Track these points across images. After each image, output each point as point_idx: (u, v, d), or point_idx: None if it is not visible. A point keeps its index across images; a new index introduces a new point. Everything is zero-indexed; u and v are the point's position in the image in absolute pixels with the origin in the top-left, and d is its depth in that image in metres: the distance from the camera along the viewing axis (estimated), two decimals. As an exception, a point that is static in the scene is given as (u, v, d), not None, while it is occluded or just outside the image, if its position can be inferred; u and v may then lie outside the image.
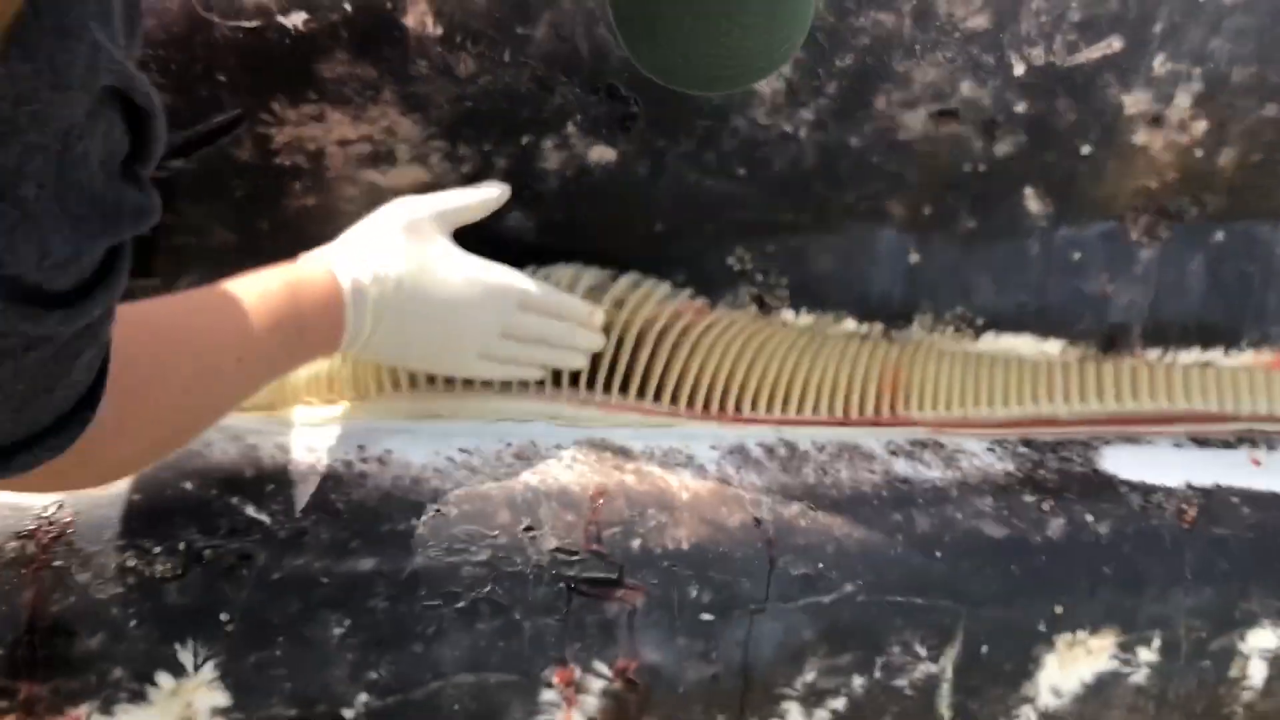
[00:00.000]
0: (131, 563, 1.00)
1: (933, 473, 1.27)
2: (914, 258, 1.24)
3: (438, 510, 1.09)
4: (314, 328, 1.00)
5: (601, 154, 1.14)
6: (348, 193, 1.13)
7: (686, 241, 1.19)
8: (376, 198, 1.13)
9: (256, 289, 0.97)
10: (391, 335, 1.06)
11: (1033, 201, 1.25)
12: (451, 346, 1.10)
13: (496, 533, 1.09)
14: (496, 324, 1.10)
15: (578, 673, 1.09)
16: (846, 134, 1.18)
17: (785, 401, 1.28)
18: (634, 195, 1.16)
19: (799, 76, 1.15)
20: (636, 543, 1.12)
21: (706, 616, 1.13)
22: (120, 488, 1.03)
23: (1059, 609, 1.23)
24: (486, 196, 1.12)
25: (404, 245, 1.06)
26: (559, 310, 1.14)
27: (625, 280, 1.17)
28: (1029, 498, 1.27)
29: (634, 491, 1.14)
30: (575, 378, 1.21)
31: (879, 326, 1.24)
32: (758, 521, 1.16)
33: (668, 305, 1.19)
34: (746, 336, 1.24)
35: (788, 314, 1.21)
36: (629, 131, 1.14)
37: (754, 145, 1.16)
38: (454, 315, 1.07)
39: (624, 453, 1.17)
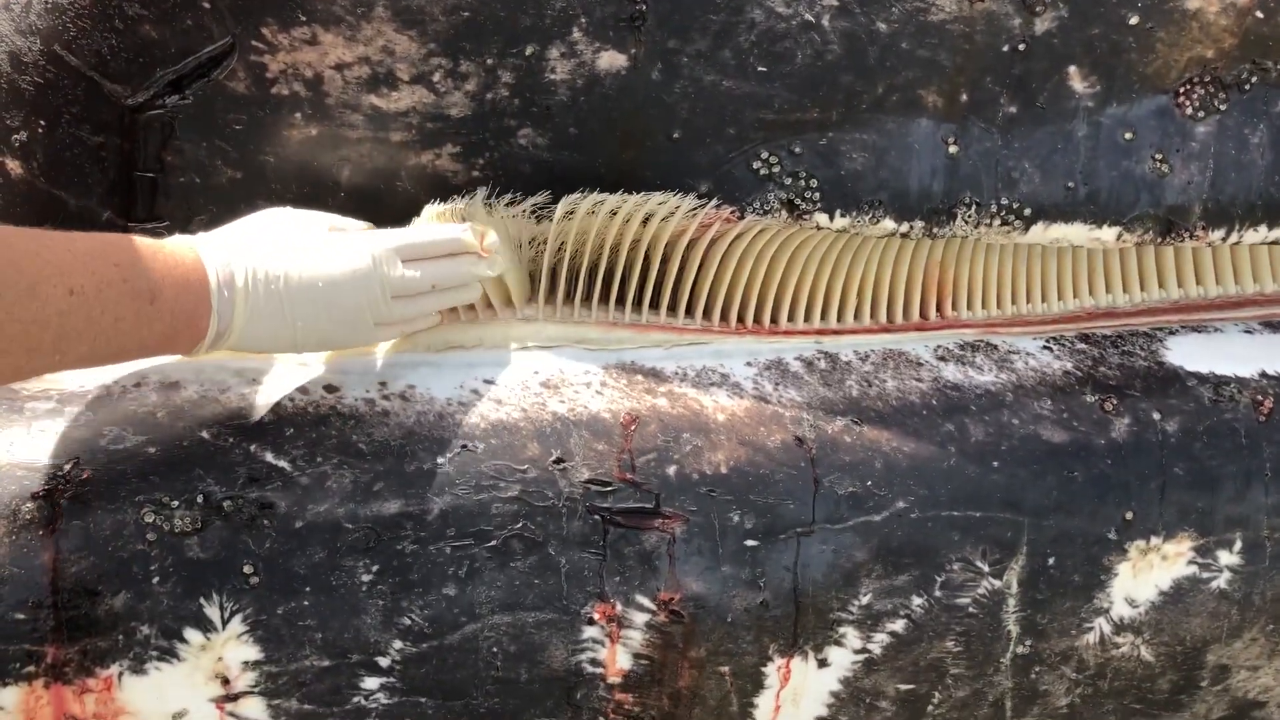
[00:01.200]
0: (150, 518, 0.97)
1: (985, 377, 1.19)
2: (953, 148, 1.15)
3: (464, 446, 1.04)
4: (170, 299, 0.91)
5: (611, 60, 1.07)
6: (351, 119, 1.07)
7: (708, 148, 1.12)
8: (381, 124, 1.07)
9: (108, 236, 0.92)
10: (273, 326, 0.98)
11: (1077, 80, 1.16)
12: (343, 324, 1.01)
13: (526, 467, 1.04)
14: (381, 288, 1.01)
15: (619, 607, 1.04)
16: (873, 19, 1.09)
17: (824, 310, 1.22)
18: (649, 102, 1.09)
19: (817, -41, 1.07)
20: (672, 469, 1.06)
21: (751, 542, 1.07)
22: (135, 440, 1.00)
23: (1129, 515, 1.16)
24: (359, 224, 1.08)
25: (276, 236, 1.01)
26: (445, 249, 1.06)
27: (654, 197, 1.10)
28: (1090, 397, 1.19)
29: (667, 416, 1.09)
30: (604, 297, 1.15)
31: (919, 224, 1.16)
32: (799, 440, 1.10)
33: (694, 217, 1.12)
34: (779, 244, 1.17)
35: (821, 217, 1.14)
36: (638, 32, 1.07)
37: (773, 38, 1.08)
38: (335, 292, 0.99)
39: (655, 375, 1.12)
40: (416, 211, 1.11)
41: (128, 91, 1.06)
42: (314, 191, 1.10)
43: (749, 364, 1.15)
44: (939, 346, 1.21)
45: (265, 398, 1.05)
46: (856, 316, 1.23)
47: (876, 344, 1.20)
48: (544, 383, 1.09)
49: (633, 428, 1.07)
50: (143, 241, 0.92)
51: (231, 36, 1.04)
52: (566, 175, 1.11)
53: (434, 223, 1.08)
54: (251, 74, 1.06)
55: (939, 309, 1.26)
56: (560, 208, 1.08)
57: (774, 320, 1.20)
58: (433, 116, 1.08)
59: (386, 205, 1.11)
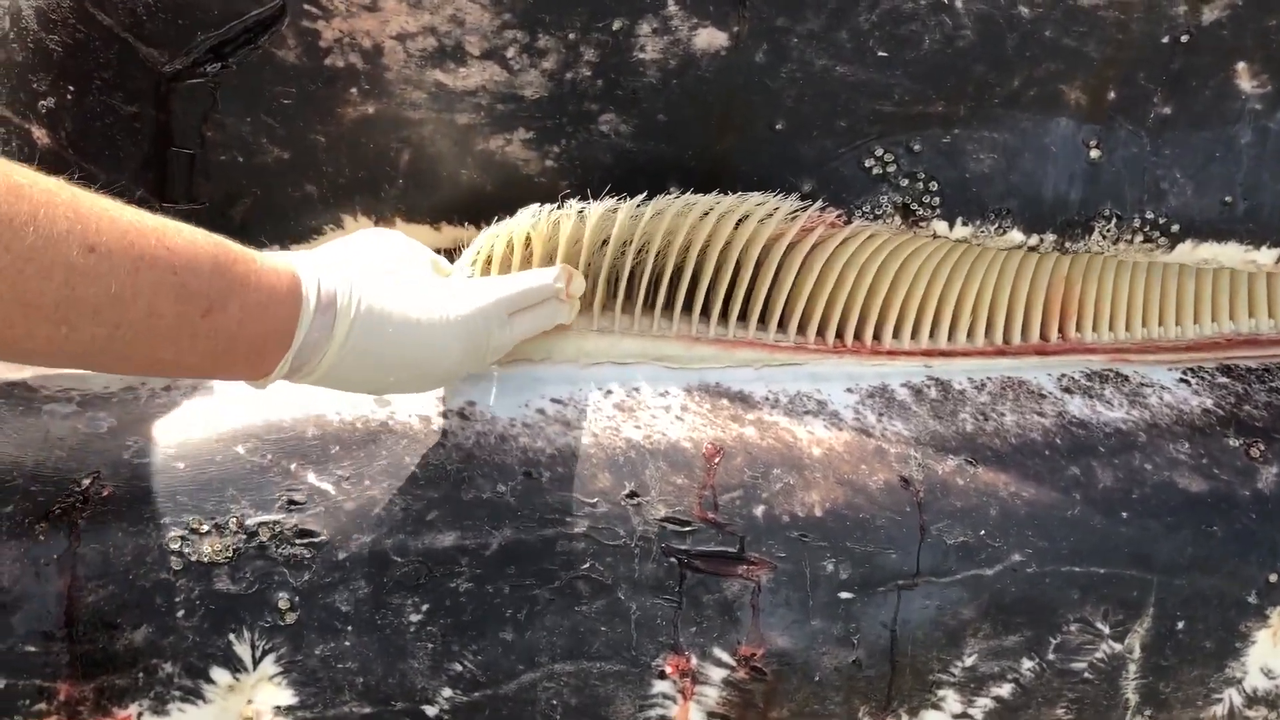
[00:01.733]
0: (177, 544, 0.86)
1: (1114, 413, 1.06)
2: (1094, 153, 1.01)
3: (527, 474, 0.92)
4: (232, 319, 0.76)
5: (710, 39, 0.94)
6: (413, 97, 0.95)
7: (815, 142, 0.98)
8: (447, 103, 0.95)
9: (175, 223, 0.76)
10: (366, 369, 0.85)
11: (1245, 79, 1.01)
12: (438, 378, 0.92)
13: (596, 500, 0.92)
14: (486, 350, 0.91)
15: (694, 660, 0.93)
16: (1015, 2, 0.94)
17: (934, 328, 1.08)
18: (750, 88, 0.96)
19: (957, -71, 0.92)
20: (760, 509, 0.94)
21: (845, 594, 0.95)
22: (162, 454, 0.89)
23: (1273, 577, 1.02)
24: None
25: (385, 266, 0.89)
26: (538, 298, 0.94)
27: (751, 197, 0.97)
28: (1233, 441, 1.05)
29: (756, 447, 0.96)
30: (687, 307, 1.02)
31: (1050, 238, 1.02)
32: (905, 481, 0.97)
33: (794, 220, 0.99)
34: (887, 253, 1.03)
35: (939, 225, 1.00)
36: (742, 7, 0.93)
37: (899, 19, 0.94)
38: (443, 347, 0.87)
39: (743, 400, 0.99)
40: (480, 201, 0.99)
41: (165, 57, 0.94)
42: (369, 176, 0.98)
43: (849, 390, 1.02)
44: (1063, 376, 1.07)
45: (309, 409, 0.93)
46: (970, 336, 1.09)
47: (993, 370, 1.07)
48: (618, 404, 0.97)
49: (716, 460, 0.95)
50: (223, 242, 0.78)
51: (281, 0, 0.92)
52: (651, 166, 0.98)
53: (530, 270, 0.96)
54: (303, 42, 0.93)
55: (1061, 330, 1.12)
56: (649, 209, 0.95)
57: (877, 338, 1.07)
58: (504, 97, 0.95)
59: (448, 193, 0.99)
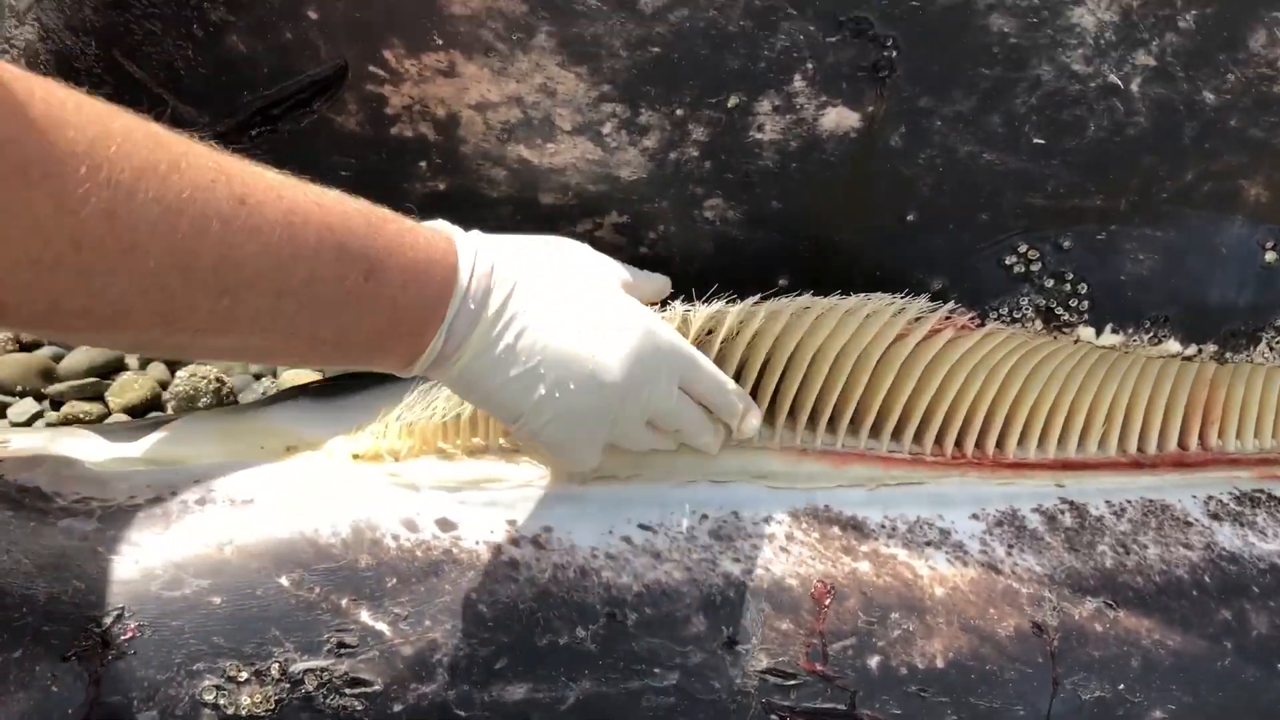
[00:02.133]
0: (212, 694, 0.75)
1: (1269, 544, 0.93)
2: (1269, 255, 0.87)
3: (611, 615, 0.80)
4: (394, 282, 0.67)
5: (839, 119, 0.80)
6: (491, 174, 0.82)
7: (951, 236, 0.85)
8: (530, 182, 0.82)
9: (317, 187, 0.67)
10: (504, 381, 0.72)
11: None
12: (582, 410, 0.75)
13: (689, 648, 0.80)
14: (645, 405, 0.77)
15: (796, 832, 0.81)
16: (1199, 86, 0.81)
17: (1064, 436, 0.96)
18: (882, 175, 0.83)
19: (1140, 1, 0.78)
20: (875, 660, 0.82)
21: (966, 753, 0.83)
22: (196, 585, 0.77)
23: None
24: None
25: (561, 274, 0.75)
26: (713, 396, 0.81)
27: (873, 299, 0.84)
28: (1403, 580, 0.93)
29: (871, 586, 0.84)
30: (791, 415, 0.90)
31: (1211, 348, 0.89)
32: (1038, 628, 0.85)
33: (921, 322, 0.86)
34: (1019, 357, 0.90)
35: (1085, 331, 0.87)
36: (882, 85, 0.80)
37: (1061, 103, 0.81)
38: (592, 382, 0.74)
39: (857, 528, 0.87)
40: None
41: (205, 117, 0.81)
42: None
43: (975, 516, 0.89)
44: (1210, 498, 0.95)
45: (363, 531, 0.81)
46: (1102, 444, 0.97)
47: (1132, 490, 0.94)
48: (714, 532, 0.85)
49: (827, 602, 0.83)
50: (366, 202, 0.68)
51: (343, 58, 0.79)
52: (759, 258, 0.86)
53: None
54: (366, 108, 0.80)
55: (1202, 437, 0.99)
56: (762, 311, 0.82)
57: (1000, 447, 0.94)
58: (598, 177, 0.82)
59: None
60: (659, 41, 0.77)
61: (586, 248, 0.79)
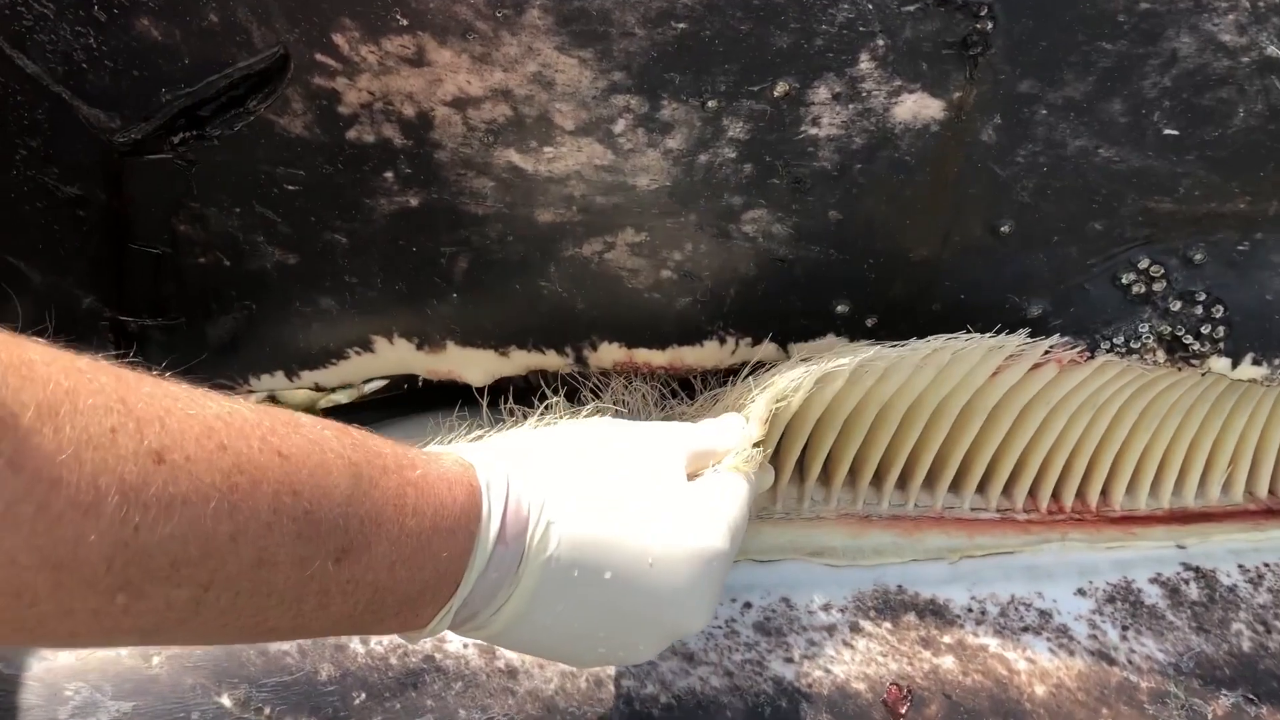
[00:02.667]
0: None
1: None
2: None
3: (634, 735, 0.65)
4: (382, 560, 0.47)
5: (919, 107, 0.63)
6: (475, 186, 0.65)
7: (1055, 250, 0.68)
8: (525, 195, 0.65)
9: (290, 414, 0.47)
10: (566, 624, 0.54)
11: None
12: (667, 630, 0.56)
13: (733, 773, 0.65)
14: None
15: None
16: (1383, 57, 0.63)
17: (1180, 482, 0.79)
18: (970, 176, 0.65)
19: (1312, -49, 0.60)
20: (965, 780, 0.66)
21: None
22: (113, 714, 0.62)
23: None
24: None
25: (611, 477, 0.56)
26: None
27: (955, 341, 0.66)
28: None
29: (958, 688, 0.68)
30: (851, 472, 0.73)
31: (1375, 381, 0.72)
32: (1165, 733, 0.69)
33: (1017, 358, 0.69)
34: (1132, 393, 0.73)
35: (1219, 363, 0.70)
36: (973, 64, 0.62)
37: (1202, 84, 0.63)
38: (671, 602, 0.55)
39: (936, 613, 0.70)
40: (566, 321, 0.70)
41: (115, 122, 0.65)
42: (411, 288, 0.69)
43: (1081, 592, 0.73)
44: (1366, 554, 0.78)
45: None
46: (1226, 489, 0.80)
47: (1269, 547, 0.77)
48: (760, 625, 0.68)
49: (904, 710, 0.67)
50: (364, 436, 0.49)
51: (282, 45, 0.62)
52: (811, 281, 0.69)
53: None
54: (315, 106, 0.63)
55: (1345, 474, 0.83)
56: (814, 372, 0.65)
57: (1105, 495, 0.78)
58: (609, 187, 0.65)
59: (521, 311, 0.70)
60: (685, 14, 0.60)
61: (633, 430, 0.60)
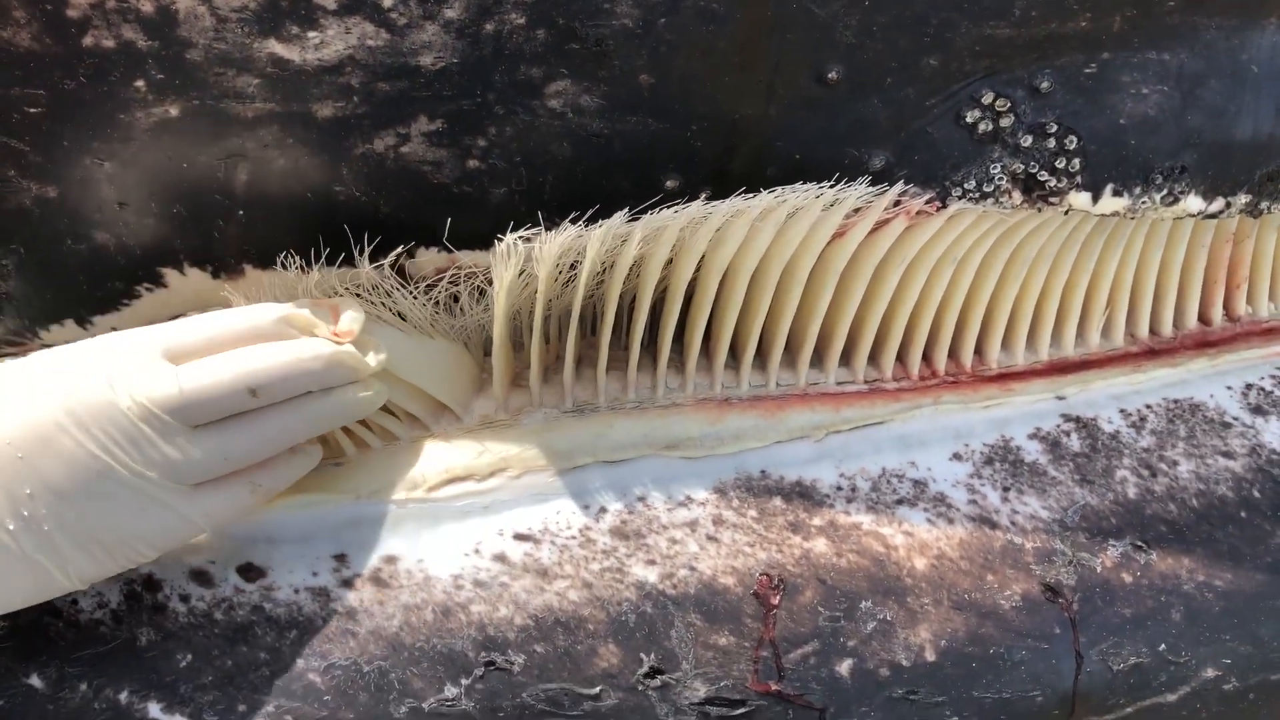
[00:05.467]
0: None
1: (1327, 437, 0.74)
2: (1316, 66, 0.65)
3: (490, 664, 0.60)
4: None
5: (716, -55, 0.56)
6: (238, 86, 0.58)
7: (890, 93, 0.62)
8: (295, 89, 0.58)
9: None
10: None
11: None
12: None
13: (599, 689, 0.60)
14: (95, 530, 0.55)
15: None
16: None
17: (1058, 330, 0.75)
18: (786, 21, 0.59)
19: None
20: (846, 665, 0.63)
21: (974, 760, 0.65)
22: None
23: None
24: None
25: None
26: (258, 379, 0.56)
27: (795, 192, 0.61)
28: None
29: (832, 570, 0.64)
30: (704, 355, 0.68)
31: (1243, 200, 0.68)
32: (1051, 591, 0.65)
33: (862, 214, 0.64)
34: (993, 241, 0.69)
35: (1078, 198, 0.66)
36: (769, -109, 0.56)
37: (1023, -113, 0.57)
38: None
39: (804, 495, 0.66)
40: (372, 227, 0.63)
41: None
42: (191, 210, 0.62)
43: (957, 456, 0.69)
44: (1249, 387, 0.75)
45: (139, 596, 0.60)
46: (1106, 333, 0.76)
47: (1150, 390, 0.74)
48: (617, 529, 0.64)
49: (775, 600, 0.63)
50: None
51: (-12, -59, 0.54)
52: (633, 156, 0.63)
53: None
54: (38, 14, 0.56)
55: (1227, 306, 0.79)
56: (638, 230, 0.59)
57: (979, 354, 0.73)
58: (389, 70, 0.58)
59: (319, 222, 0.63)
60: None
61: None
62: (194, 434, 0.54)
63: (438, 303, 0.65)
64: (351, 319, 0.59)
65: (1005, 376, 0.73)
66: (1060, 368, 0.74)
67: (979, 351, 0.74)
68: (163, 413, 0.53)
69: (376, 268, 0.63)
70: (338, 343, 0.57)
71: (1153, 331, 0.78)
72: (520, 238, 0.59)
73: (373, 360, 0.59)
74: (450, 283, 0.65)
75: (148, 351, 0.54)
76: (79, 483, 0.52)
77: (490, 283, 0.65)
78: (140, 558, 0.56)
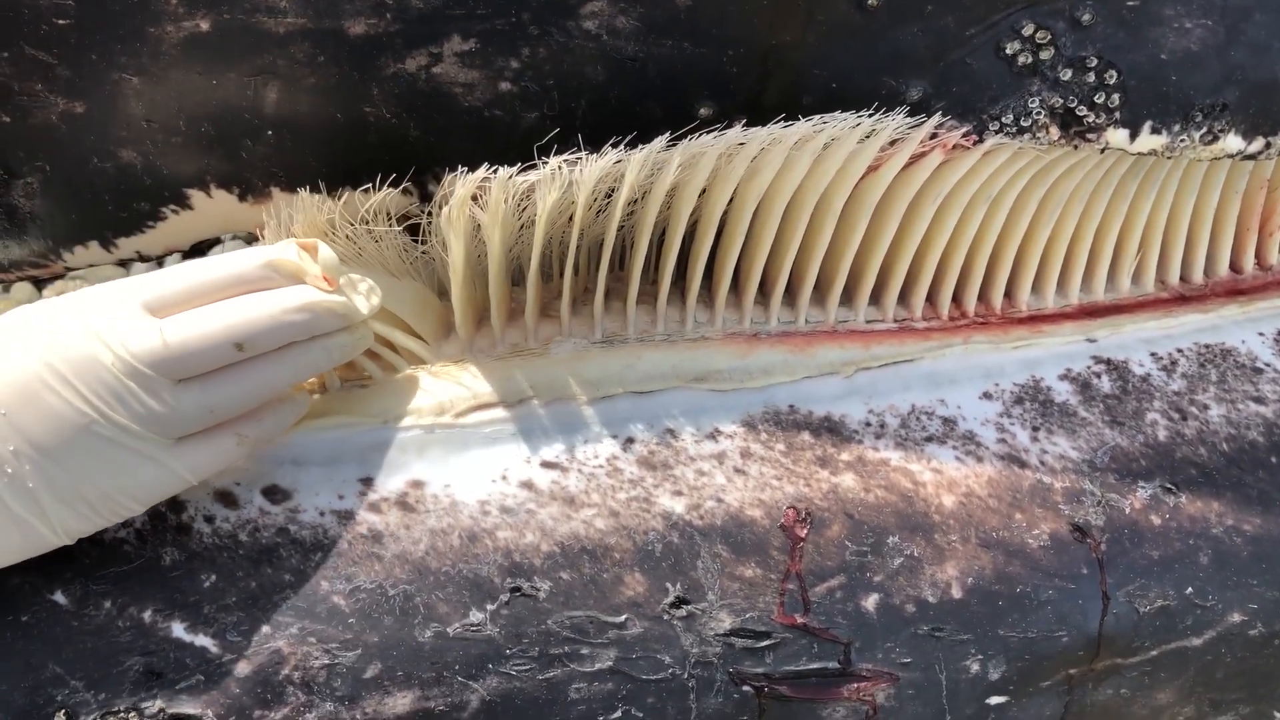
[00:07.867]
0: (-26, 766, 0.55)
1: (1359, 384, 0.73)
2: (1358, 3, 0.64)
3: (516, 589, 0.60)
4: None
5: None
6: (271, 1, 0.57)
7: (929, 22, 0.61)
8: (328, 6, 0.57)
9: None
10: None
11: None
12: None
13: (624, 617, 0.60)
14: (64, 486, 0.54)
15: (789, 830, 0.63)
16: None
17: (1089, 273, 0.74)
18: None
19: None
20: (872, 600, 0.62)
21: (997, 699, 0.65)
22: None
23: None
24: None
25: None
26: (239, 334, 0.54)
27: (830, 122, 0.60)
28: None
29: (859, 505, 0.63)
30: (734, 290, 0.68)
31: (1281, 141, 0.67)
32: (1079, 531, 0.65)
33: (898, 145, 0.63)
34: (1029, 179, 0.68)
35: (1116, 135, 0.65)
36: None
37: None
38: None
39: (832, 430, 0.65)
40: (401, 152, 0.63)
41: None
42: (219, 129, 0.61)
43: (987, 395, 0.68)
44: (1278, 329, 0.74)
45: (163, 516, 0.60)
46: (1136, 279, 0.76)
47: (1181, 333, 0.73)
48: (645, 460, 0.63)
49: (802, 533, 0.62)
50: None
51: None
52: (668, 81, 0.62)
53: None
54: (72, -83, 0.55)
55: (1259, 254, 0.78)
56: (676, 156, 0.59)
57: (1010, 296, 0.73)
58: (424, -13, 0.57)
59: (347, 145, 0.62)
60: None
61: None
62: (178, 388, 0.53)
63: (422, 241, 0.65)
64: (328, 262, 0.57)
65: (1035, 319, 0.72)
66: (1090, 311, 0.74)
67: (1009, 294, 0.73)
68: (147, 367, 0.52)
69: (404, 191, 0.63)
70: (326, 290, 0.56)
71: (1183, 279, 0.77)
72: (565, 161, 0.58)
73: (364, 305, 0.58)
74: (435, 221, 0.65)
75: (132, 304, 0.53)
76: (63, 438, 0.52)
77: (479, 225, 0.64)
78: (128, 512, 0.55)
